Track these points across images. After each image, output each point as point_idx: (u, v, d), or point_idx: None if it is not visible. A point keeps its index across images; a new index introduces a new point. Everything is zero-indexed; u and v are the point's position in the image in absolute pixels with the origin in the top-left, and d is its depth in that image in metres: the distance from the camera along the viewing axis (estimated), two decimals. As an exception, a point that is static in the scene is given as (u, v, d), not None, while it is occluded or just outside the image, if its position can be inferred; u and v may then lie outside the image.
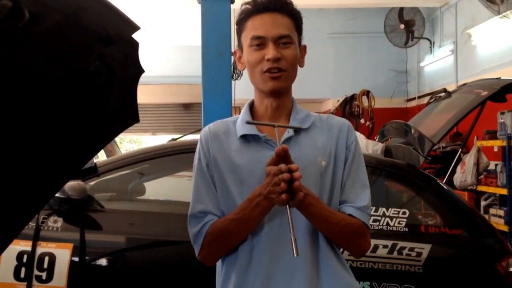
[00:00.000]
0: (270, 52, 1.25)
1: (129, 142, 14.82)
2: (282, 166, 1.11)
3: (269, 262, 1.23)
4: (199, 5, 5.25)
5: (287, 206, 1.11)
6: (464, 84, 3.60)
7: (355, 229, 1.27)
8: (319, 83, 8.22)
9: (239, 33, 1.33)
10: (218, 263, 1.33)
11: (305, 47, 1.36)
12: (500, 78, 3.34)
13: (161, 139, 8.62)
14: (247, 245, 1.26)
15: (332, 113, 8.10)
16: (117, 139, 9.23)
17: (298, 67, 1.35)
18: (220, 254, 1.30)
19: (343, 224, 1.24)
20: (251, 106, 1.37)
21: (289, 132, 1.29)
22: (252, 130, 1.29)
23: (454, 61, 6.85)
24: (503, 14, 4.89)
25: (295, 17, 1.31)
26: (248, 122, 1.26)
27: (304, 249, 1.22)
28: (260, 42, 1.26)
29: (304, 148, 1.28)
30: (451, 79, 6.82)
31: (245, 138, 1.30)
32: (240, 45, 1.34)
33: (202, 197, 1.30)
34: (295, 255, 1.07)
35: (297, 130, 1.29)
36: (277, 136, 1.17)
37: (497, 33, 5.65)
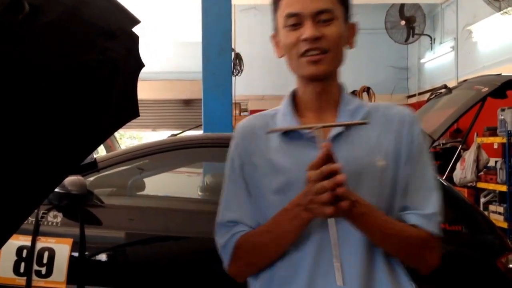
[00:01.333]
0: (306, 30, 1.03)
1: (129, 138, 14.82)
2: (324, 168, 0.91)
3: (311, 282, 1.03)
4: (200, 1, 5.23)
5: (332, 219, 0.94)
6: (465, 81, 3.60)
7: (420, 242, 1.04)
8: (320, 79, 8.21)
9: (274, 13, 1.13)
10: (252, 280, 1.14)
11: (354, 25, 1.14)
12: (500, 74, 3.34)
13: (161, 135, 8.62)
14: (285, 261, 1.06)
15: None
16: (117, 134, 9.24)
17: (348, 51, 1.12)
18: (251, 270, 1.11)
19: (404, 237, 1.03)
20: (294, 95, 1.16)
21: (337, 128, 1.07)
22: (292, 124, 1.10)
23: (455, 57, 6.84)
24: (504, 10, 4.88)
25: None
26: (271, 131, 1.04)
27: (356, 264, 1.02)
28: (296, 21, 1.05)
29: (357, 147, 1.06)
30: (451, 76, 6.81)
31: (286, 135, 1.08)
32: (275, 28, 1.14)
33: (232, 204, 1.12)
34: (337, 284, 0.93)
35: (348, 126, 1.07)
36: (319, 138, 0.98)
37: (498, 29, 5.64)
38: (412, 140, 1.08)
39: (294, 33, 1.06)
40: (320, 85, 1.10)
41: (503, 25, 5.44)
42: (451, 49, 6.95)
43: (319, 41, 1.04)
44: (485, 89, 2.94)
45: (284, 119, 1.12)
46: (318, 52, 1.05)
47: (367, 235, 1.02)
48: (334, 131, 1.06)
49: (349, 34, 1.12)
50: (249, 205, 1.10)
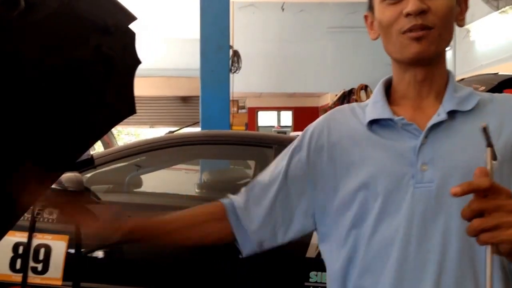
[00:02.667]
0: (410, 3, 0.87)
1: (126, 134, 14.81)
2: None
3: None
4: (198, -3, 5.23)
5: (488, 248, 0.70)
6: (462, 79, 3.60)
7: None
8: (318, 77, 8.22)
9: None
10: None
11: None
12: (497, 73, 3.35)
13: (159, 132, 8.62)
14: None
15: (331, 107, 8.13)
16: (114, 131, 9.24)
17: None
18: None
19: None
20: (388, 84, 0.99)
21: (439, 115, 0.89)
22: (384, 113, 0.94)
23: (453, 56, 6.86)
24: (502, 9, 4.89)
25: None
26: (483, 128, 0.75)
27: None
28: None
29: (461, 140, 0.87)
30: (449, 75, 6.82)
31: (375, 124, 0.94)
32: (371, 5, 0.98)
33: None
34: None
35: (453, 113, 0.90)
36: (489, 162, 0.72)
37: (496, 28, 5.65)
38: None
39: (394, 8, 0.90)
40: (423, 71, 0.93)
41: (501, 24, 5.45)
42: (449, 47, 6.98)
43: (425, 15, 0.87)
44: (482, 88, 2.95)
45: (375, 107, 0.96)
46: (421, 28, 0.88)
47: None
48: (435, 119, 0.89)
49: (459, 9, 0.94)
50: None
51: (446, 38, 0.91)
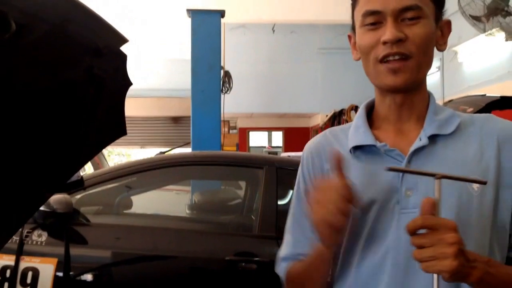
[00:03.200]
0: (387, 31, 0.87)
1: (117, 155, 14.75)
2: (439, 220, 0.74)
3: None
4: (190, 19, 5.29)
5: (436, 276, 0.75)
6: (450, 101, 3.65)
7: None
8: (308, 97, 8.28)
9: (352, 9, 0.97)
10: None
11: (448, 23, 0.95)
12: (485, 95, 3.40)
13: (150, 153, 8.59)
14: None
15: (322, 128, 8.18)
16: (105, 152, 9.18)
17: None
18: None
19: None
20: (370, 107, 1.00)
21: (421, 140, 0.89)
22: (367, 139, 0.93)
23: (441, 77, 6.95)
24: (489, 32, 4.99)
25: None
26: (390, 169, 0.80)
27: None
28: (375, 20, 0.89)
29: (444, 166, 0.86)
30: (437, 96, 6.91)
31: (359, 150, 0.94)
32: (353, 27, 0.98)
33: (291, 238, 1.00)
34: None
35: (434, 137, 0.90)
36: (438, 191, 0.77)
37: (483, 50, 5.75)
38: None
39: (373, 34, 0.90)
40: (401, 96, 0.93)
41: (488, 46, 5.55)
42: (437, 69, 7.07)
43: (402, 44, 0.87)
44: (470, 110, 2.99)
45: (356, 132, 0.96)
46: (399, 58, 0.88)
47: None
48: (417, 144, 0.89)
49: (440, 34, 0.95)
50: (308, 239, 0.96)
51: (425, 66, 0.92)
